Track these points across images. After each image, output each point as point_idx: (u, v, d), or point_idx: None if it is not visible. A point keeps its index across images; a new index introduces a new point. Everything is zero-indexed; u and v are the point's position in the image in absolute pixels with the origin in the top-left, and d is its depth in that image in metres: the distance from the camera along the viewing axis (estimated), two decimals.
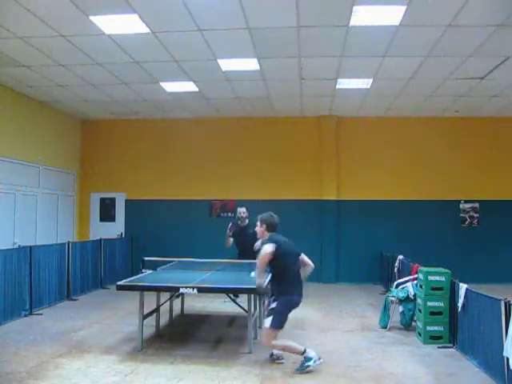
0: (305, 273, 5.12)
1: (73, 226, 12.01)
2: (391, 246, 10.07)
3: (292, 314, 7.66)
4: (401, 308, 6.58)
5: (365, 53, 7.43)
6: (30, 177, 10.20)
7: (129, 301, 7.65)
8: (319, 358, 4.84)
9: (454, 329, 5.71)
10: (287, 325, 6.93)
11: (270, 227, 5.13)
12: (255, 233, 7.88)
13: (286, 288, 4.82)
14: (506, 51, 7.18)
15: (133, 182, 12.10)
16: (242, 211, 8.25)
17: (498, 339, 4.37)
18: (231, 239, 8.13)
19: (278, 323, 4.82)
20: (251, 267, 7.34)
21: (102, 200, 12.35)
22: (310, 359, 4.78)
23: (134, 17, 6.15)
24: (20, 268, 7.18)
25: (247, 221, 8.17)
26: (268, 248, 4.81)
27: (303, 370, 4.77)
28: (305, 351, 4.83)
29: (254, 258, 7.54)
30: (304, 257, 5.16)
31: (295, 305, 4.92)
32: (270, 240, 4.93)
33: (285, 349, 4.95)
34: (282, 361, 5.09)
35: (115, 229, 12.04)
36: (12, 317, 6.87)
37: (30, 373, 4.66)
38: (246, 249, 7.54)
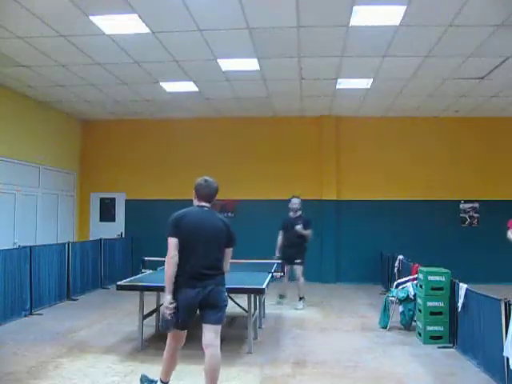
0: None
1: (73, 226, 12.02)
2: (391, 246, 10.06)
3: (292, 314, 7.76)
4: (401, 308, 6.58)
5: (365, 53, 7.43)
6: (30, 177, 10.20)
7: (129, 301, 7.65)
8: None
9: (453, 329, 5.71)
10: (287, 324, 6.99)
11: (198, 193, 4.06)
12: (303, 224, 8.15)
13: (178, 278, 3.78)
14: (506, 51, 7.18)
15: (133, 182, 12.10)
16: (294, 202, 8.46)
17: (497, 339, 4.37)
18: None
19: (174, 319, 3.83)
20: (250, 267, 7.34)
21: (102, 200, 12.36)
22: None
23: (134, 17, 6.15)
24: (20, 268, 7.18)
25: (299, 213, 8.45)
26: (170, 243, 3.85)
27: None
28: (164, 382, 3.98)
29: (298, 252, 8.19)
30: (229, 253, 4.01)
31: (193, 302, 3.79)
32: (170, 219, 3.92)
33: (164, 356, 4.02)
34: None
35: (115, 229, 12.04)
36: (12, 317, 6.87)
37: (30, 373, 4.66)
38: (290, 240, 8.24)
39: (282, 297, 8.54)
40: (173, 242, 3.84)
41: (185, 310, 3.80)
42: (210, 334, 3.85)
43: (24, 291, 7.25)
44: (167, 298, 3.76)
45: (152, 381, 4.21)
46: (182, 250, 3.82)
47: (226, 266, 4.00)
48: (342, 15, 6.09)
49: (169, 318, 3.77)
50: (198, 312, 3.94)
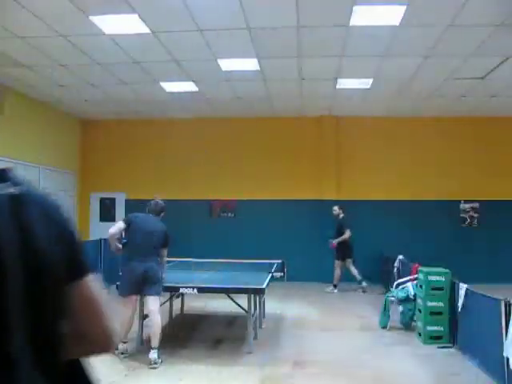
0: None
1: None
2: (391, 245, 10.06)
3: (292, 314, 7.76)
4: (401, 308, 6.58)
5: (365, 53, 7.43)
6: (30, 177, 10.19)
7: None
8: (122, 353, 5.15)
9: (453, 329, 5.71)
10: (287, 324, 6.99)
11: (149, 210, 5.68)
12: (337, 229, 10.08)
13: (126, 258, 5.27)
14: (506, 51, 7.18)
15: (133, 182, 12.09)
16: (333, 209, 10.30)
17: (498, 339, 4.37)
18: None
19: (120, 288, 5.27)
20: (250, 267, 7.36)
21: (102, 200, 12.35)
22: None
23: (134, 17, 6.15)
24: None
25: (340, 216, 10.23)
26: (117, 224, 5.40)
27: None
28: (123, 343, 5.18)
29: (337, 251, 10.08)
30: (164, 252, 5.49)
31: (136, 274, 5.11)
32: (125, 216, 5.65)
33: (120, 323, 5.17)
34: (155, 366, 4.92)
35: None
36: None
37: None
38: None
39: (361, 282, 9.96)
40: (121, 225, 5.29)
41: (129, 281, 5.13)
42: (151, 303, 5.15)
43: None
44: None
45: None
46: (133, 239, 5.24)
47: (163, 260, 5.46)
48: (342, 15, 6.08)
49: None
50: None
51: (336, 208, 10.25)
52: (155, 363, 4.87)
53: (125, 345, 5.20)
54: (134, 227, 5.29)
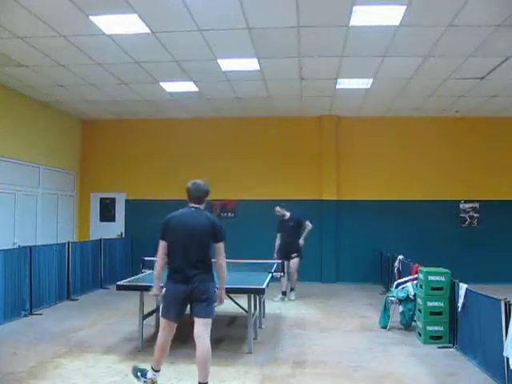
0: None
1: (73, 226, 12.01)
2: (391, 246, 10.07)
3: (292, 314, 7.76)
4: (401, 308, 6.58)
5: (365, 53, 7.43)
6: (30, 177, 10.19)
7: (129, 301, 7.65)
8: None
9: (453, 329, 5.71)
10: (287, 324, 7.00)
11: (188, 196, 4.35)
12: (295, 225, 9.01)
13: (168, 273, 4.16)
14: (506, 51, 7.18)
15: (133, 182, 12.10)
16: (277, 211, 9.18)
17: (497, 339, 4.37)
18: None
19: (162, 311, 4.18)
20: (250, 267, 7.35)
21: (102, 200, 12.36)
22: (145, 373, 4.25)
23: (134, 17, 6.16)
24: (20, 268, 7.18)
25: (287, 215, 9.14)
26: (159, 243, 4.19)
27: (137, 376, 4.28)
28: (155, 371, 4.22)
29: (294, 248, 8.93)
30: (220, 247, 4.22)
31: (178, 293, 4.04)
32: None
33: (156, 344, 4.23)
34: None
35: (115, 229, 12.04)
36: (12, 317, 6.87)
37: (30, 373, 4.65)
38: (285, 239, 8.99)
39: (284, 293, 9.01)
40: (160, 245, 4.17)
41: (171, 302, 4.09)
42: (199, 327, 4.09)
43: (24, 291, 7.25)
44: (153, 291, 4.34)
45: (143, 370, 4.33)
46: (170, 250, 4.14)
47: (219, 259, 4.22)
48: (342, 15, 6.09)
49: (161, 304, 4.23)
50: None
51: (278, 209, 9.08)
52: None
53: (156, 374, 4.22)
54: (169, 235, 4.12)
